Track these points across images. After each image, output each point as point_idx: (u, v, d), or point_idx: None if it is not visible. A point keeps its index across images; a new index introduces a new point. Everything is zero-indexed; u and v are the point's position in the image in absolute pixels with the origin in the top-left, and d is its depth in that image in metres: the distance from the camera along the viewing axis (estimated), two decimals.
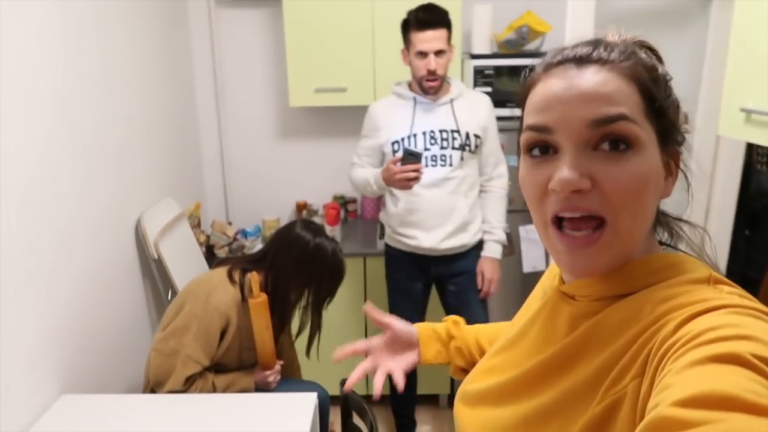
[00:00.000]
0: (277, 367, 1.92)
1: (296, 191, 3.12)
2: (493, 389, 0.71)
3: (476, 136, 2.12)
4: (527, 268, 2.61)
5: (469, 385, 0.78)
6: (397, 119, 2.15)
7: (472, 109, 2.13)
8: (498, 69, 2.51)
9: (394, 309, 2.37)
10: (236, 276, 1.79)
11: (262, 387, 1.89)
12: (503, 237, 2.23)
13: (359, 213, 3.11)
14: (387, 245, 2.35)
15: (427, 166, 2.10)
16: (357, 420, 1.71)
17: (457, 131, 2.10)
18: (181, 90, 2.79)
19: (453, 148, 2.10)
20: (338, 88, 2.66)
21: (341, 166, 3.07)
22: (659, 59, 0.64)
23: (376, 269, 2.65)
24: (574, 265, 0.61)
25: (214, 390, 1.77)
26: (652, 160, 0.58)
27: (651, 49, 0.65)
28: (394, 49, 2.58)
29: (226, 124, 3.05)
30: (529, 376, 0.66)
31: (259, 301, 1.77)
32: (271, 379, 1.89)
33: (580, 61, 0.59)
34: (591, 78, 0.58)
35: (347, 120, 3.03)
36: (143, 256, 2.25)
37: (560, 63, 0.61)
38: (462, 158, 2.11)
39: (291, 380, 2.08)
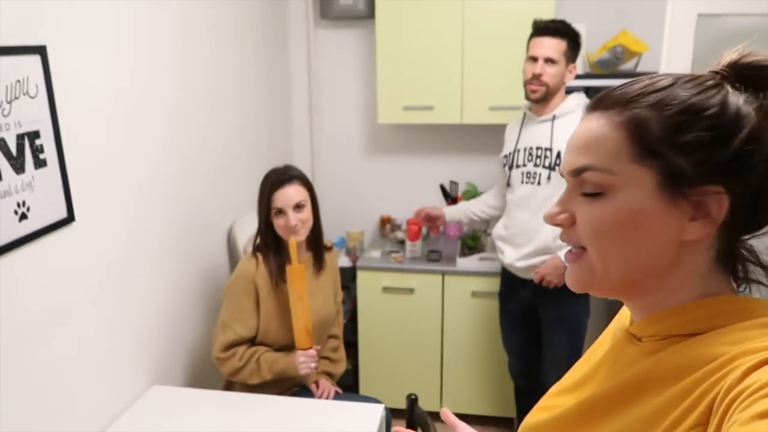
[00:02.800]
0: (312, 351, 1.84)
1: (381, 205, 3.19)
2: (550, 421, 0.71)
3: None
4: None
5: (528, 420, 0.78)
6: (511, 134, 2.26)
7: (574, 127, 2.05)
8: (588, 89, 2.45)
9: (500, 321, 2.45)
10: (258, 254, 1.90)
11: (296, 372, 1.84)
12: None
13: (442, 230, 3.12)
14: None
15: (522, 182, 2.17)
16: None
17: (549, 149, 2.08)
18: (279, 106, 2.95)
19: (543, 166, 2.10)
20: (425, 107, 2.70)
21: (426, 182, 3.11)
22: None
23: (455, 287, 2.65)
24: (569, 275, 0.67)
25: (259, 366, 1.84)
26: (630, 204, 0.59)
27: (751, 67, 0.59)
28: (482, 70, 2.61)
29: (318, 139, 3.19)
30: (584, 408, 0.66)
31: (292, 267, 1.82)
32: (301, 360, 1.81)
33: (592, 106, 0.64)
34: (583, 127, 0.64)
35: (433, 138, 3.06)
36: (233, 262, 2.40)
37: (588, 108, 0.66)
38: (549, 177, 2.08)
39: (350, 395, 2.11)
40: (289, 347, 1.91)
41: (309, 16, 3.01)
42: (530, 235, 2.14)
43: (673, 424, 0.53)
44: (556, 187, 2.07)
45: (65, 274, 1.47)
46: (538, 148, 2.11)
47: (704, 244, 0.61)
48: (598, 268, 0.63)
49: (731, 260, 0.63)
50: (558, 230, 2.34)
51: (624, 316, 0.73)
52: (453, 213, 2.54)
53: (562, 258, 2.07)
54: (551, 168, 2.08)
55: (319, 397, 1.96)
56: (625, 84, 0.62)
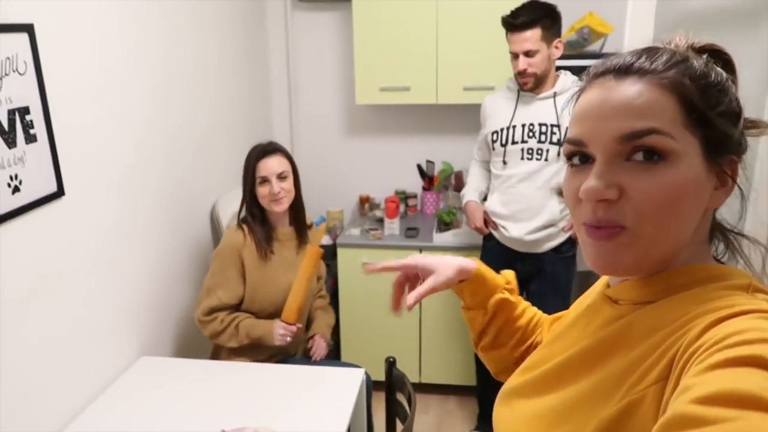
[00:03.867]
0: (293, 328, 1.95)
1: (360, 185, 3.27)
2: (527, 383, 0.73)
3: None
4: (582, 266, 2.62)
5: (507, 384, 0.79)
6: (500, 110, 2.24)
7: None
8: (558, 69, 2.54)
9: None
10: (244, 225, 2.01)
11: (272, 341, 1.95)
12: None
13: (419, 208, 3.22)
14: (484, 237, 2.42)
15: (522, 158, 2.18)
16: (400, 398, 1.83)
17: (557, 126, 2.11)
18: (258, 87, 3.01)
19: (551, 142, 2.13)
20: (402, 87, 2.78)
21: (403, 161, 3.20)
22: (729, 64, 0.63)
23: None
24: (596, 257, 0.62)
25: (237, 331, 1.95)
26: (689, 171, 0.57)
27: (719, 53, 0.63)
28: (456, 51, 2.69)
29: (297, 120, 3.25)
30: (558, 369, 0.68)
31: (313, 248, 1.95)
32: (280, 331, 1.93)
33: (620, 72, 0.60)
34: (625, 91, 0.59)
35: (410, 118, 3.14)
36: (216, 238, 2.47)
37: (602, 74, 0.62)
38: (559, 153, 2.11)
39: (332, 361, 2.22)
40: (273, 317, 2.00)
41: None
42: (536, 210, 2.18)
43: (638, 380, 0.56)
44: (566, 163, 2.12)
45: (55, 247, 1.53)
46: (542, 125, 2.13)
47: (710, 213, 0.63)
48: (641, 245, 0.59)
49: (713, 229, 0.65)
50: (564, 204, 2.26)
51: (603, 281, 0.74)
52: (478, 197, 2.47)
53: None
54: (560, 144, 2.11)
55: (312, 354, 2.08)
56: (641, 54, 0.61)
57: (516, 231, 2.24)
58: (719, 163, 0.59)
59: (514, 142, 2.19)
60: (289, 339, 1.94)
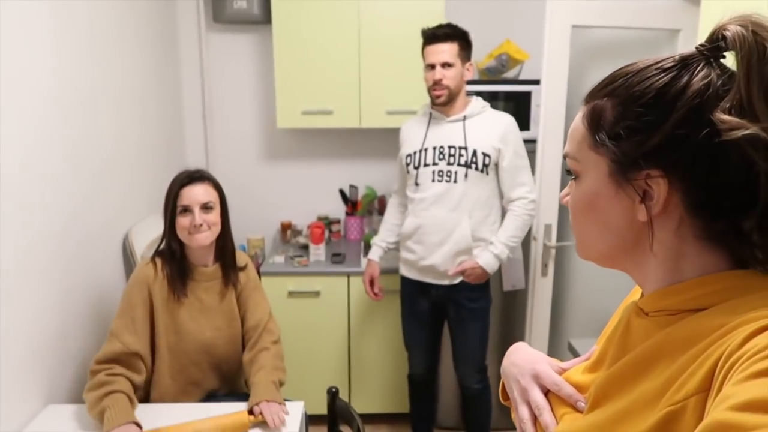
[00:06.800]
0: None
1: (281, 211, 3.17)
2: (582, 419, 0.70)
3: (485, 155, 2.13)
4: (507, 287, 2.67)
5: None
6: (413, 134, 2.26)
7: (486, 128, 2.15)
8: (479, 94, 2.62)
9: (404, 323, 2.46)
10: (157, 259, 1.80)
11: None
12: (501, 251, 2.17)
13: (343, 233, 3.16)
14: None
15: (433, 181, 2.18)
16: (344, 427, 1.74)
17: (465, 148, 2.14)
18: (169, 109, 2.85)
19: (458, 164, 2.14)
20: (325, 111, 2.74)
21: (326, 187, 3.14)
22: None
23: (360, 287, 2.69)
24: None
25: (101, 400, 1.58)
26: (589, 188, 0.66)
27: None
28: (379, 75, 2.70)
29: (213, 144, 3.11)
30: (600, 387, 0.66)
31: (240, 419, 1.60)
32: None
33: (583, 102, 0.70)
34: (574, 120, 0.70)
35: (333, 142, 3.11)
36: (129, 269, 2.27)
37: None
38: (467, 175, 2.14)
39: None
40: (187, 369, 1.82)
41: (201, 20, 2.95)
42: (447, 233, 2.17)
43: (676, 390, 0.55)
44: (473, 184, 2.15)
45: None
46: (451, 147, 2.16)
47: (671, 224, 0.61)
48: (578, 241, 0.72)
49: (730, 239, 0.60)
50: (475, 226, 2.34)
51: (636, 291, 0.75)
52: (382, 255, 2.46)
53: (479, 259, 2.17)
54: (468, 166, 2.14)
55: (273, 426, 1.60)
56: (615, 71, 0.65)
57: (426, 257, 2.23)
58: (630, 179, 0.61)
59: (426, 165, 2.20)
60: None
